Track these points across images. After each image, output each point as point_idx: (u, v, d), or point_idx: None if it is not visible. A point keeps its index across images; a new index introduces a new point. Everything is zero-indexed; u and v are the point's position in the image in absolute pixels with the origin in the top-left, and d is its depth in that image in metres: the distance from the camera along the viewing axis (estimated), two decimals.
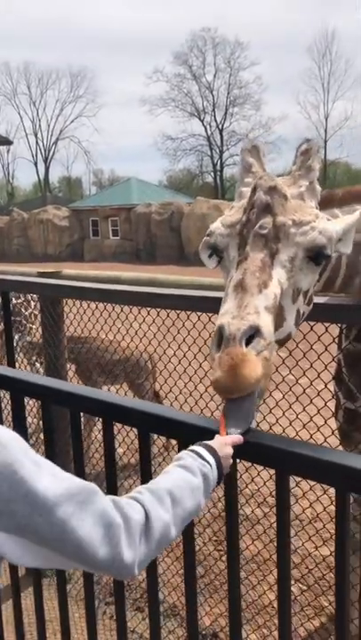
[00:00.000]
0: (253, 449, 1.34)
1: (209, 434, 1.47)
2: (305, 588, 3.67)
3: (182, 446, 1.56)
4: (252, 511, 4.10)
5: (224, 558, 4.04)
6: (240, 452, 1.42)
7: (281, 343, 1.68)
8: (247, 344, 1.47)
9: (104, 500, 1.29)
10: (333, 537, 1.35)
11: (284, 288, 1.64)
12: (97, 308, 3.92)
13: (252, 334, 1.48)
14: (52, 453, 1.94)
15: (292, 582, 3.20)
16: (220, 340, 1.49)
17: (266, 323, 1.51)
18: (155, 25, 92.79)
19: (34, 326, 6.31)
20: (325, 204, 1.97)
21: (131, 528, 1.27)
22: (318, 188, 1.84)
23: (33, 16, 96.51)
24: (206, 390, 2.71)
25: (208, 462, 1.43)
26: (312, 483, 1.78)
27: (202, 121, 62.97)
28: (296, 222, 1.70)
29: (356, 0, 62.11)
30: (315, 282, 1.80)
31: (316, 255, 1.72)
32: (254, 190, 1.74)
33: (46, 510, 1.21)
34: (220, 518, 4.01)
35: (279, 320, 1.62)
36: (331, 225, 1.77)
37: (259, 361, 1.45)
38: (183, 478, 1.39)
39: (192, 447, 1.48)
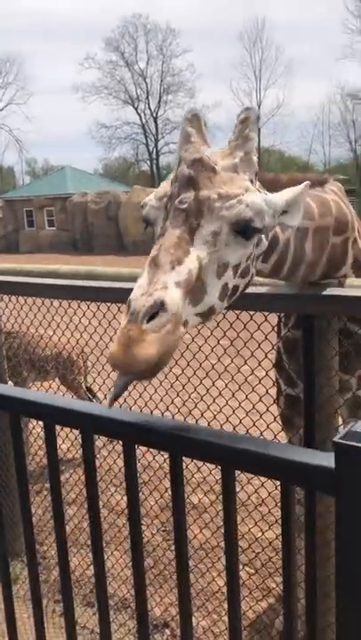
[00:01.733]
0: (198, 445, 1.34)
1: (157, 434, 1.46)
2: (253, 571, 3.75)
3: (129, 446, 1.55)
4: (200, 500, 4.14)
5: (173, 548, 4.08)
6: (184, 448, 1.42)
7: (204, 316, 1.67)
8: (150, 321, 1.46)
9: None
10: (279, 521, 1.37)
11: (205, 263, 1.62)
12: (34, 302, 3.83)
13: (157, 311, 1.47)
14: None
15: (240, 567, 3.26)
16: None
17: (173, 297, 1.50)
18: (85, 10, 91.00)
19: None
20: (272, 185, 1.95)
21: None
22: (255, 158, 1.80)
23: None
24: (150, 383, 2.69)
25: None
26: None
27: (136, 109, 62.53)
28: (222, 196, 1.67)
29: None
30: (248, 256, 1.77)
31: (243, 229, 1.69)
32: (180, 163, 1.71)
33: None
34: (168, 509, 4.03)
35: (199, 294, 1.62)
36: (259, 197, 1.74)
37: (155, 340, 1.44)
38: None
39: None
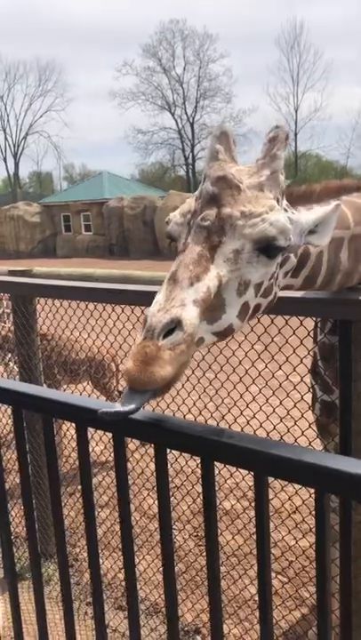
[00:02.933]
0: (230, 450, 1.32)
1: (189, 438, 1.45)
2: (286, 580, 3.69)
3: (160, 449, 1.54)
4: (232, 506, 4.10)
5: (205, 554, 4.06)
6: (216, 453, 1.40)
7: (221, 335, 1.65)
8: (167, 336, 1.46)
9: None
10: (313, 529, 1.34)
11: (225, 281, 1.61)
12: (70, 305, 3.87)
13: (173, 327, 1.47)
14: (24, 459, 1.89)
15: (273, 575, 3.22)
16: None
17: (189, 316, 1.50)
18: (123, 18, 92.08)
19: (6, 325, 6.22)
20: (305, 199, 1.94)
21: None
22: (282, 177, 1.78)
23: None
24: (183, 387, 2.68)
25: None
26: None
27: (172, 114, 62.86)
28: (245, 214, 1.65)
29: None
30: (271, 275, 1.75)
31: (266, 248, 1.67)
32: (204, 180, 1.71)
33: None
34: (201, 514, 4.00)
35: (217, 313, 1.61)
36: (283, 216, 1.72)
37: (171, 358, 1.44)
38: None
39: None
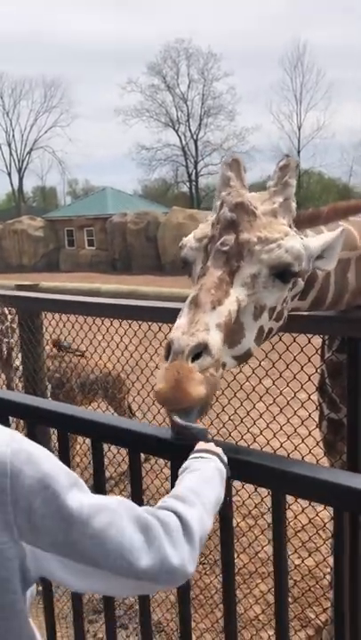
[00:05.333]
0: (248, 468, 1.33)
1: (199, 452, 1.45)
2: (291, 600, 3.65)
3: (176, 464, 1.54)
4: (237, 524, 4.08)
5: (210, 572, 4.01)
6: (233, 470, 1.41)
7: (240, 359, 1.69)
8: (194, 360, 1.49)
9: (137, 508, 1.29)
10: (320, 548, 1.34)
11: (244, 305, 1.64)
12: (77, 320, 3.88)
13: (200, 351, 1.49)
14: None
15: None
16: (169, 353, 1.51)
17: (215, 340, 1.52)
18: (128, 36, 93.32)
19: (12, 340, 6.22)
20: (312, 221, 1.97)
21: (171, 531, 1.27)
22: (294, 204, 1.85)
23: (4, 29, 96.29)
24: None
25: (211, 458, 1.46)
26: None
27: (176, 131, 63.33)
28: (262, 239, 1.70)
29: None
30: (284, 299, 1.80)
31: (282, 273, 1.72)
32: (221, 206, 1.74)
33: (82, 522, 1.20)
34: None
35: (237, 337, 1.63)
36: (298, 242, 1.76)
37: (203, 379, 1.47)
38: (197, 477, 1.41)
39: (191, 456, 1.51)
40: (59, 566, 1.25)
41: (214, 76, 62.86)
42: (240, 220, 1.70)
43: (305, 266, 1.80)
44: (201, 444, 1.52)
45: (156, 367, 3.44)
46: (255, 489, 2.99)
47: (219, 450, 1.51)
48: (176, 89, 63.07)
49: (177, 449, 1.50)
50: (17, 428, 4.60)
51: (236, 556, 3.71)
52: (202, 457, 1.47)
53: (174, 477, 1.55)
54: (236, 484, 3.42)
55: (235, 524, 4.09)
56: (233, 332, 1.61)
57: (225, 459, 1.50)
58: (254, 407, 3.10)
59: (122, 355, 3.68)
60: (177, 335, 1.51)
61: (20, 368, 4.72)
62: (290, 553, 3.63)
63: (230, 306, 1.59)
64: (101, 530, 1.21)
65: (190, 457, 1.50)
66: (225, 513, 1.43)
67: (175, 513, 1.31)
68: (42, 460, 1.25)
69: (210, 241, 1.72)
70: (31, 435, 1.83)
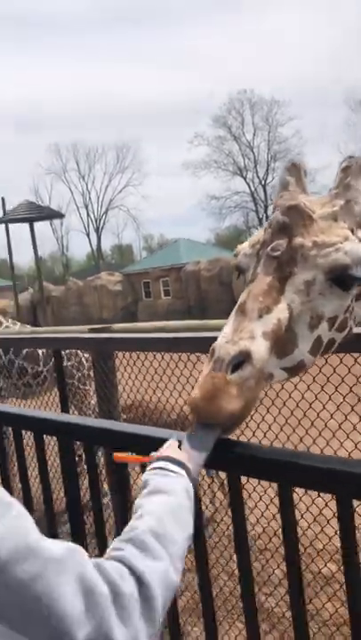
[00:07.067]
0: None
1: (263, 462, 1.37)
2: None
3: (231, 479, 1.47)
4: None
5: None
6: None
7: (291, 371, 1.58)
8: (236, 369, 1.41)
9: (89, 564, 0.99)
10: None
11: (296, 313, 1.54)
12: (151, 365, 3.89)
13: (242, 360, 1.42)
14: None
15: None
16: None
17: (259, 349, 1.44)
18: (192, 93, 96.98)
19: (88, 387, 6.32)
20: None
21: (122, 599, 0.97)
22: (357, 208, 1.71)
23: (75, 98, 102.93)
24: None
25: (177, 472, 1.24)
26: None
27: (244, 178, 64.28)
28: (318, 244, 1.59)
29: None
30: (346, 308, 1.66)
31: (340, 278, 1.58)
32: (274, 210, 1.68)
33: None
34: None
35: (288, 347, 1.53)
36: (359, 246, 1.63)
37: (239, 393, 1.39)
38: (161, 505, 1.15)
39: (153, 464, 1.29)
40: None
41: (279, 122, 63.82)
42: (293, 223, 1.61)
43: None
44: (169, 446, 1.34)
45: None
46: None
47: (186, 457, 1.31)
48: (242, 138, 64.46)
49: (236, 460, 1.43)
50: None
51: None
52: (168, 470, 1.24)
53: (232, 491, 1.46)
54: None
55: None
56: (283, 342, 1.52)
57: (195, 472, 1.29)
58: (307, 433, 2.96)
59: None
60: (220, 343, 1.45)
61: (96, 410, 4.78)
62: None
63: (280, 314, 1.51)
64: (21, 582, 0.91)
65: (153, 465, 1.28)
66: (287, 520, 1.33)
67: (133, 571, 1.02)
68: None
69: (262, 246, 1.65)
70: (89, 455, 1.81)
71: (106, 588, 0.97)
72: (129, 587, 0.99)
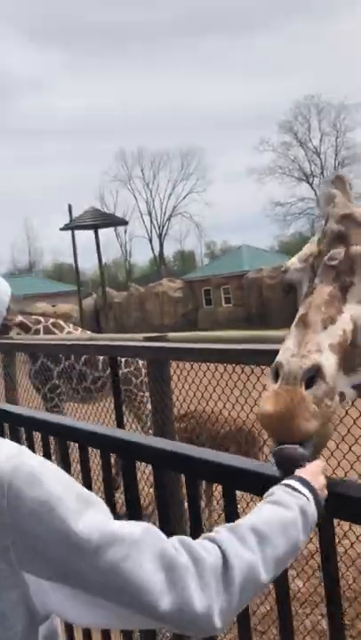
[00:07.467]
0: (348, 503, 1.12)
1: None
2: None
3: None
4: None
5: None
6: (338, 508, 1.21)
7: (360, 390, 1.47)
8: (307, 387, 1.30)
9: (163, 541, 1.11)
10: None
11: (360, 324, 1.44)
12: (205, 375, 3.83)
13: (313, 375, 1.31)
14: (166, 519, 1.81)
15: None
16: (277, 378, 1.35)
17: (329, 363, 1.34)
18: (258, 99, 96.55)
19: (145, 394, 6.33)
20: None
21: (203, 571, 1.08)
22: None
23: (142, 105, 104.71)
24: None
25: (304, 495, 1.24)
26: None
27: (310, 184, 63.35)
28: None
29: None
30: None
31: None
32: (327, 220, 1.59)
33: (91, 553, 1.05)
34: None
35: (356, 361, 1.42)
36: None
37: (317, 412, 1.28)
38: (274, 513, 1.19)
39: (283, 481, 1.30)
40: (64, 598, 1.10)
41: (347, 127, 62.60)
42: (349, 232, 1.54)
43: None
44: (307, 469, 1.31)
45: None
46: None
47: (319, 482, 1.30)
48: (308, 143, 63.64)
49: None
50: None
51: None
52: (294, 489, 1.26)
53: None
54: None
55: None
56: (350, 356, 1.41)
57: (322, 499, 1.28)
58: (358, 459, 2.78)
59: (251, 410, 3.52)
60: (285, 357, 1.35)
61: (150, 418, 4.76)
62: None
63: (345, 325, 1.41)
64: (113, 563, 1.05)
65: (284, 482, 1.30)
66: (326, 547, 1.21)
67: (220, 548, 1.10)
68: (47, 478, 1.10)
69: (315, 258, 1.57)
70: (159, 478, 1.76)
71: (185, 559, 1.08)
72: (213, 560, 1.09)
